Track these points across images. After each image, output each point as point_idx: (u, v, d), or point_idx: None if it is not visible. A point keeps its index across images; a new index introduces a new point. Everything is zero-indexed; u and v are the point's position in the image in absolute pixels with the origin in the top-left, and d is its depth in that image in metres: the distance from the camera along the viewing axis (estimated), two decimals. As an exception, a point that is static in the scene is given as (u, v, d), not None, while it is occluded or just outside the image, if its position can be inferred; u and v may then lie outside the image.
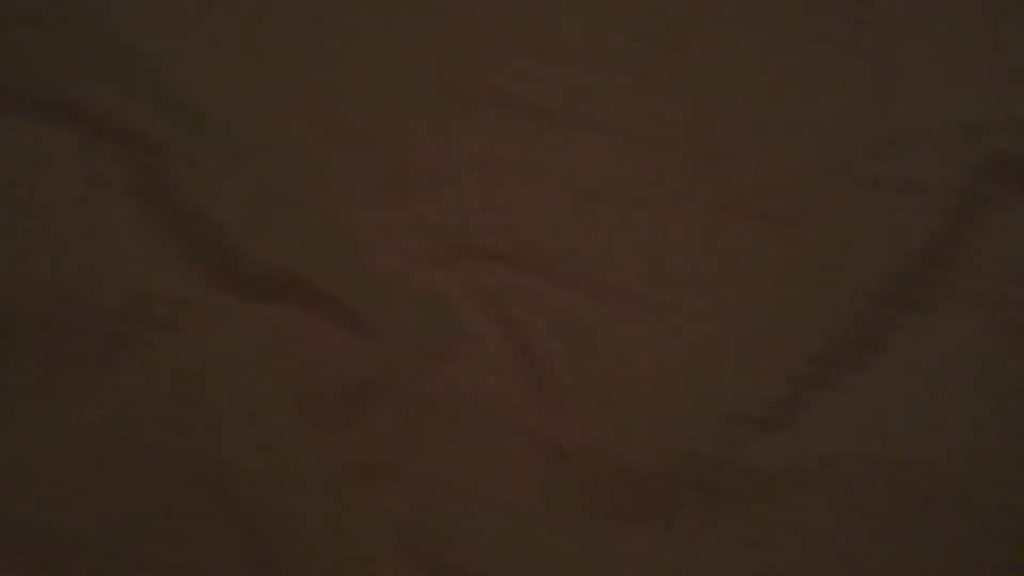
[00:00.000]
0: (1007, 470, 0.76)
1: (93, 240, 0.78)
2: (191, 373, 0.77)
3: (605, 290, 0.79)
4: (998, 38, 0.82)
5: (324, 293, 0.78)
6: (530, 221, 0.79)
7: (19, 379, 0.76)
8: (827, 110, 0.81)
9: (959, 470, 0.76)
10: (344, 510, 0.76)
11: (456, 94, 0.81)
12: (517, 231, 0.79)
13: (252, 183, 0.79)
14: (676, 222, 0.79)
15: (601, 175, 0.80)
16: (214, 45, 0.81)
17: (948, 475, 0.76)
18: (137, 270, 0.78)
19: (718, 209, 0.79)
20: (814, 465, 0.76)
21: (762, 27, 0.82)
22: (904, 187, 0.80)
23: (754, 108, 0.81)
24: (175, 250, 0.78)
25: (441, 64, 0.81)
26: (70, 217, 0.78)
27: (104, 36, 0.80)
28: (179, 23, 0.81)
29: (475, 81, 0.81)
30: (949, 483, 0.76)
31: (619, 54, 0.81)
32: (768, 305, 0.78)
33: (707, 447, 0.77)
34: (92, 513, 0.75)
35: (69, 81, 0.80)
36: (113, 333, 0.77)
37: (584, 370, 0.77)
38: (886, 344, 0.78)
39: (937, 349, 0.78)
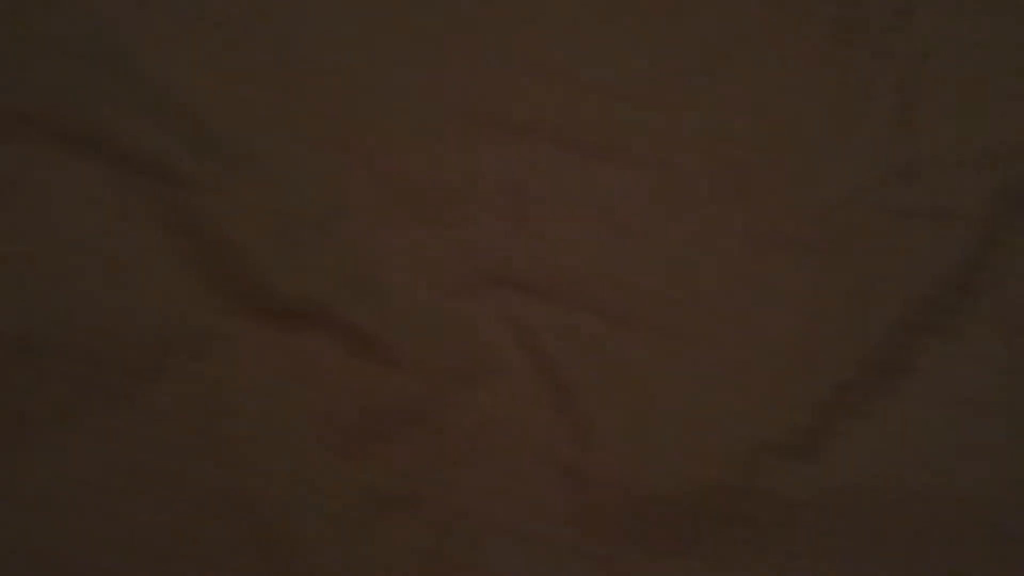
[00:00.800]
0: (1035, 498, 0.77)
1: (119, 271, 0.78)
2: (217, 403, 0.77)
3: (633, 319, 0.78)
4: (1021, 63, 0.82)
5: (350, 322, 0.78)
6: (558, 250, 0.79)
7: (45, 409, 0.76)
8: (853, 139, 0.81)
9: (986, 498, 0.76)
10: (368, 539, 0.75)
11: (484, 122, 0.80)
12: (545, 260, 0.79)
13: (278, 212, 0.79)
14: (704, 251, 0.79)
15: (629, 204, 0.80)
16: (240, 76, 0.81)
17: (976, 503, 0.76)
18: (163, 300, 0.78)
19: (746, 238, 0.79)
20: (842, 493, 0.76)
21: (789, 57, 0.82)
22: (929, 214, 0.80)
23: (781, 137, 0.81)
24: (201, 280, 0.78)
25: (469, 92, 0.81)
26: (97, 248, 0.78)
27: (131, 68, 0.80)
28: (205, 55, 0.81)
29: (503, 109, 0.81)
30: (976, 511, 0.76)
31: (647, 84, 0.81)
32: (795, 333, 0.78)
33: (734, 476, 0.76)
34: (116, 541, 0.75)
35: (98, 114, 0.79)
36: (139, 363, 0.77)
37: (612, 399, 0.77)
38: (913, 371, 0.78)
39: (964, 376, 0.78)
